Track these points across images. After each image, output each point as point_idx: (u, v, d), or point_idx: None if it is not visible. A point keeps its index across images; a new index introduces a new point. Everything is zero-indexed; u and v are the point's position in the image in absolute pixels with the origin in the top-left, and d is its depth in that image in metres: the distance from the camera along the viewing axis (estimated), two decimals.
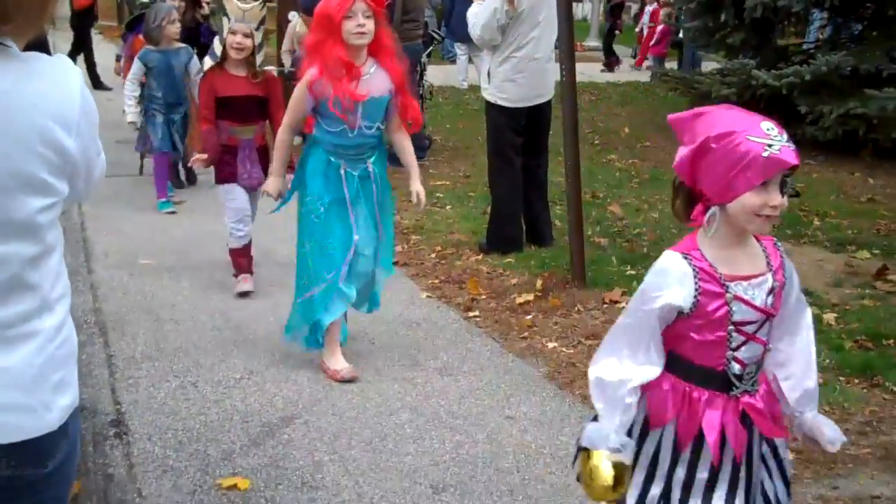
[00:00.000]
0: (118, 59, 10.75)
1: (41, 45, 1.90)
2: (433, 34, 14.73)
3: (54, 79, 1.72)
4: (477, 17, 6.47)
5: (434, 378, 4.72)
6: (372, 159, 4.60)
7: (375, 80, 4.48)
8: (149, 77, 7.68)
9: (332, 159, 4.52)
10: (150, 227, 7.32)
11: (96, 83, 15.12)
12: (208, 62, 7.59)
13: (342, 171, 4.52)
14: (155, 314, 5.49)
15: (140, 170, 8.86)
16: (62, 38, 15.67)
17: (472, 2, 6.73)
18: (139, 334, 5.18)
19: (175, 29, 7.66)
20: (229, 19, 5.64)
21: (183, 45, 7.87)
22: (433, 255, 6.73)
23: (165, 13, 7.64)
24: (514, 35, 6.43)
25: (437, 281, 6.20)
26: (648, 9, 20.55)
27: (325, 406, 4.39)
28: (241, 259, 5.97)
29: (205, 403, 4.39)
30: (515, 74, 6.48)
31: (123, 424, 4.16)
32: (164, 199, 7.89)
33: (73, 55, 15.16)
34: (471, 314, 5.62)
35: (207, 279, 6.09)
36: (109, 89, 15.16)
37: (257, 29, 5.76)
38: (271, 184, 4.72)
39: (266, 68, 6.05)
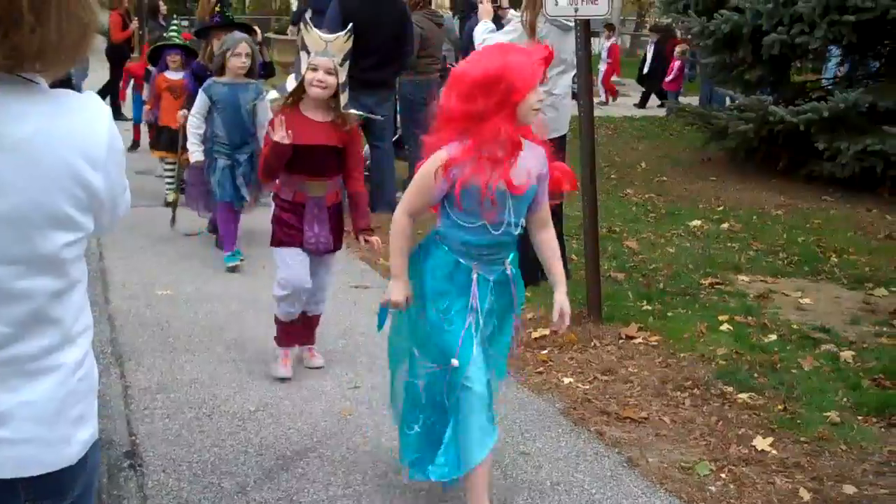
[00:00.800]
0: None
1: (65, 82, 1.92)
2: (452, 68, 14.81)
3: (83, 116, 1.75)
4: (490, 41, 6.50)
5: None
6: (510, 258, 3.66)
7: (530, 162, 3.48)
8: (212, 112, 6.94)
9: (462, 261, 3.56)
10: (167, 258, 7.35)
11: (117, 114, 15.30)
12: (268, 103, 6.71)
13: (474, 276, 3.56)
14: (171, 345, 5.51)
15: (171, 221, 8.24)
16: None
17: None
18: (155, 365, 5.20)
19: (240, 63, 6.85)
20: (308, 53, 4.66)
21: (252, 80, 7.03)
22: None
23: (234, 44, 6.86)
24: None
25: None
26: (606, 44, 21.07)
27: (339, 440, 4.39)
28: (288, 332, 5.14)
29: (220, 436, 4.39)
30: None
31: (138, 456, 4.16)
32: (230, 253, 7.07)
33: (108, 88, 15.46)
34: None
35: (224, 310, 6.10)
36: (129, 119, 15.34)
37: (342, 64, 4.71)
38: (396, 290, 3.61)
39: (351, 112, 4.85)
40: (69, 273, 1.76)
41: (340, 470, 4.09)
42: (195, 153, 6.96)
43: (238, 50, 6.80)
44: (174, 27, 10.15)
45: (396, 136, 10.23)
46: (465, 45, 14.78)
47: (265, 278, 6.36)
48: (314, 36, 4.62)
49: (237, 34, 7.05)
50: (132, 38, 15.98)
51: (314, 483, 3.97)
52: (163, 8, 17.15)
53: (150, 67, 9.70)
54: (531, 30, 6.33)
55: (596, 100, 19.34)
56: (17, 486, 1.76)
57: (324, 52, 4.60)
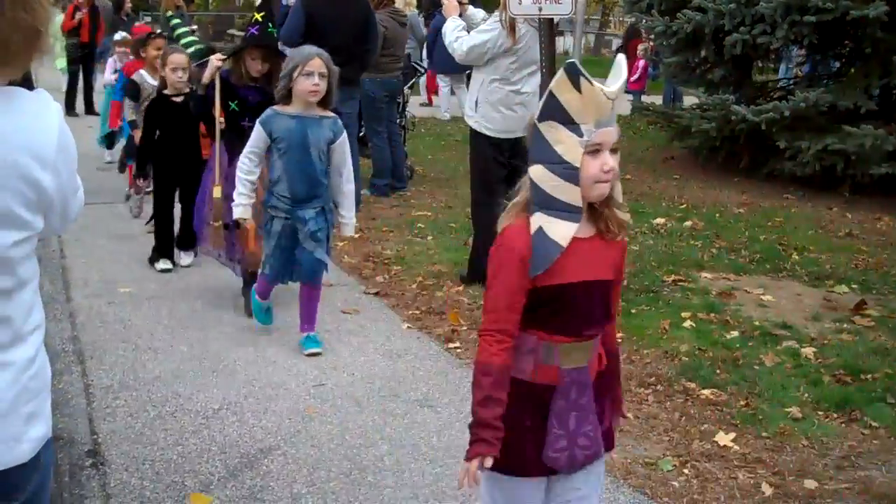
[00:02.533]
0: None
1: (26, 80, 1.90)
2: (415, 66, 14.82)
3: (31, 115, 1.72)
4: (469, 39, 6.50)
5: (414, 409, 4.70)
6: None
7: None
8: (272, 152, 5.22)
9: None
10: (129, 256, 7.29)
11: (89, 107, 15.25)
12: None
13: None
14: (133, 343, 5.46)
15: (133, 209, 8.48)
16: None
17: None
18: (117, 363, 5.15)
19: (311, 86, 5.00)
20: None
21: (328, 113, 5.21)
22: (414, 286, 6.73)
23: (304, 61, 5.01)
24: (506, 68, 6.47)
25: (417, 312, 6.19)
26: (620, 58, 20.80)
27: (304, 437, 4.37)
28: None
29: (183, 434, 4.36)
30: (501, 106, 6.51)
31: (100, 455, 4.13)
32: (310, 333, 5.45)
33: (71, 84, 15.43)
34: (451, 345, 5.61)
35: (187, 308, 6.06)
36: (97, 114, 15.19)
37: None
38: None
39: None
40: (17, 272, 1.74)
41: (305, 468, 4.08)
42: (241, 207, 5.27)
43: (310, 67, 5.00)
44: (177, 22, 10.26)
45: (361, 133, 10.21)
46: (430, 42, 14.91)
47: (226, 271, 6.34)
48: (596, 92, 2.38)
49: (309, 48, 5.18)
50: (84, 33, 15.71)
51: (278, 481, 3.96)
52: (127, 4, 17.02)
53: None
54: (511, 28, 6.34)
55: None
56: None
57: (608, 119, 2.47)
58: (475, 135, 6.70)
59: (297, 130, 5.09)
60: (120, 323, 5.79)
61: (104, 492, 3.83)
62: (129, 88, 7.86)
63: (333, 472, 4.06)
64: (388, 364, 5.32)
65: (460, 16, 6.90)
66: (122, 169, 9.70)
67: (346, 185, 5.30)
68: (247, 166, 5.21)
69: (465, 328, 5.87)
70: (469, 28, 6.72)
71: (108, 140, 10.44)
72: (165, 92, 6.78)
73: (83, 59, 15.85)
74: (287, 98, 5.11)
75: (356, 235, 6.90)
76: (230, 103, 5.84)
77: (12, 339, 1.77)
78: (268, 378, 5.01)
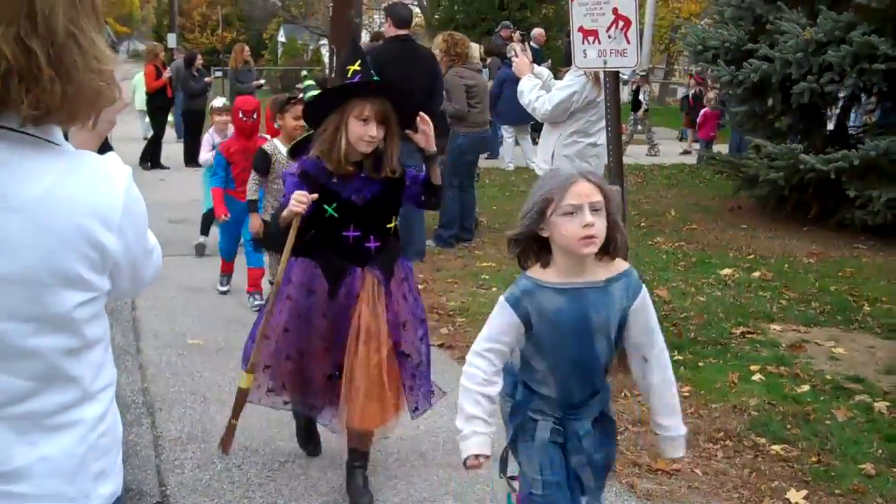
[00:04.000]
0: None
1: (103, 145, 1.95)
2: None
3: (96, 176, 1.74)
4: (553, 97, 6.54)
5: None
6: None
7: None
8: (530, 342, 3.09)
9: None
10: (199, 308, 7.40)
11: (155, 163, 15.69)
12: None
13: None
14: (202, 395, 5.53)
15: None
16: None
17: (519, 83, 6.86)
18: (186, 415, 5.22)
19: (580, 230, 2.87)
20: None
21: (622, 271, 3.06)
22: None
23: (561, 187, 2.91)
24: (585, 121, 6.53)
25: None
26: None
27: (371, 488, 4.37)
28: None
29: (249, 487, 4.39)
30: (577, 159, 6.54)
31: None
32: None
33: (152, 142, 15.96)
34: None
35: None
36: (166, 168, 15.65)
37: None
38: None
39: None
40: (83, 332, 1.76)
41: None
42: (476, 442, 3.14)
43: (575, 199, 2.88)
44: (310, 84, 6.72)
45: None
46: (494, 94, 15.03)
47: None
48: None
49: (567, 169, 2.99)
50: (168, 88, 16.37)
51: None
52: (198, 61, 17.48)
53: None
54: (596, 79, 6.39)
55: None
56: None
57: None
58: None
59: (572, 308, 2.99)
60: (189, 375, 5.87)
61: None
62: (259, 160, 6.55)
63: None
64: (454, 417, 5.29)
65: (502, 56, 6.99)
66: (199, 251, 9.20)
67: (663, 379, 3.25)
68: (482, 372, 3.06)
69: None
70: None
71: (205, 223, 9.25)
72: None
73: (152, 112, 16.37)
74: (539, 254, 3.02)
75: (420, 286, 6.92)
76: (326, 207, 3.95)
77: (81, 397, 1.79)
78: (330, 433, 5.03)
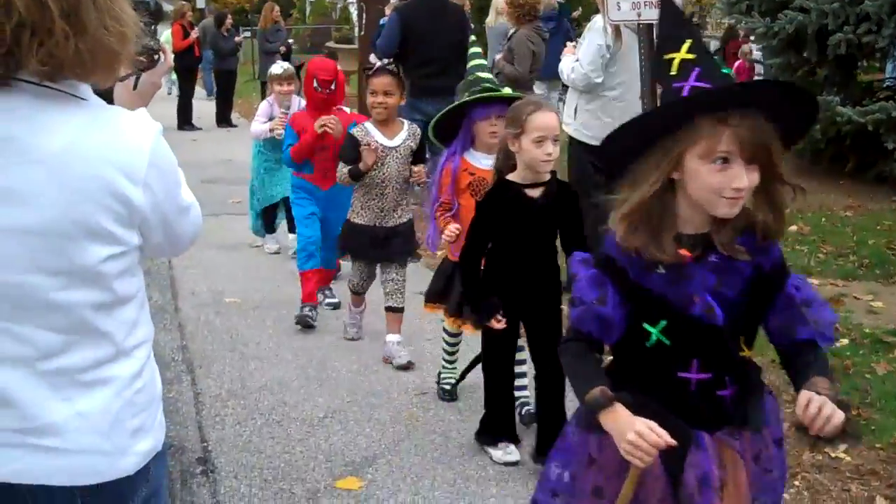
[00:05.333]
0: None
1: (105, 95, 1.95)
2: None
3: (120, 130, 1.75)
4: (582, 58, 6.47)
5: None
6: None
7: None
8: None
9: None
10: (236, 266, 7.45)
11: (187, 122, 15.75)
12: None
13: None
14: (240, 352, 5.58)
15: None
16: None
17: (554, 39, 6.79)
18: (225, 372, 5.27)
19: None
20: None
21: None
22: None
23: None
24: (608, 75, 6.45)
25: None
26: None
27: (407, 445, 4.40)
28: None
29: (289, 442, 4.43)
30: (601, 114, 6.47)
31: (210, 462, 4.23)
32: None
33: (183, 99, 16.00)
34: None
35: (292, 317, 6.14)
36: (198, 129, 15.70)
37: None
38: None
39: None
40: (113, 287, 1.77)
41: (409, 476, 4.11)
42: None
43: None
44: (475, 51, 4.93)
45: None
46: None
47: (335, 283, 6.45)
48: None
49: None
50: (195, 47, 16.39)
51: (383, 489, 4.00)
52: (228, 20, 17.47)
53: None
54: (617, 31, 6.32)
55: None
56: (74, 493, 1.79)
57: None
58: (574, 143, 6.67)
59: None
60: (227, 333, 5.91)
61: (214, 499, 3.92)
62: (346, 148, 5.34)
63: (437, 480, 4.08)
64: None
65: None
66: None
67: None
68: None
69: None
70: None
71: (267, 219, 7.83)
72: (511, 178, 3.95)
73: (179, 70, 16.38)
74: None
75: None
76: (648, 328, 2.31)
77: (115, 353, 1.81)
78: (370, 386, 5.07)
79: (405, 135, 5.38)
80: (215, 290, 6.77)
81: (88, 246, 1.71)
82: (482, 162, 4.52)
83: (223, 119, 16.69)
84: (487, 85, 4.53)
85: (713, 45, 21.25)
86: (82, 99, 1.74)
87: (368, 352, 5.56)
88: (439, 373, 5.01)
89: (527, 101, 4.11)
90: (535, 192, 3.91)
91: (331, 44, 21.64)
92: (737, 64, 18.59)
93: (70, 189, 1.68)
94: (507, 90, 4.77)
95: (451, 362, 4.98)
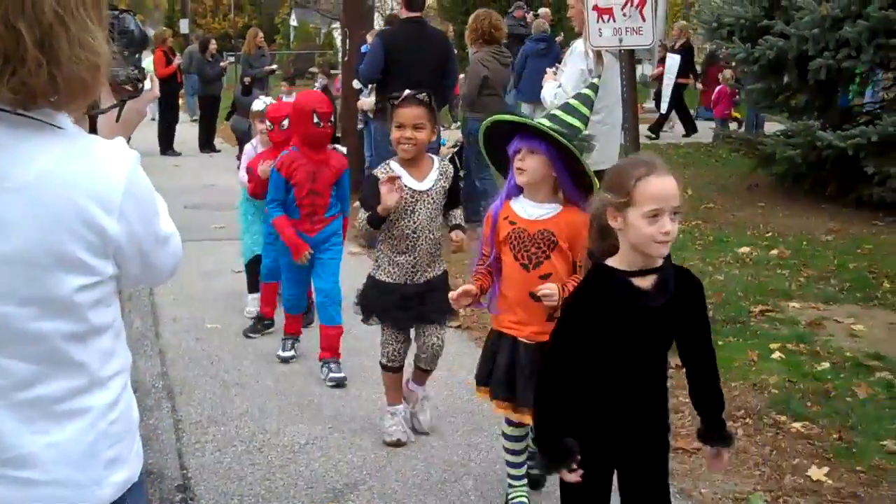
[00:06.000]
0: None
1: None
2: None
3: (96, 159, 1.73)
4: (565, 83, 6.49)
5: (498, 444, 4.67)
6: None
7: None
8: None
9: None
10: (216, 292, 7.42)
11: (167, 147, 15.75)
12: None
13: None
14: (221, 379, 5.55)
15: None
16: None
17: (545, 59, 6.82)
18: (206, 399, 5.24)
19: None
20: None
21: None
22: None
23: None
24: None
25: None
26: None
27: (389, 472, 4.38)
28: None
29: (270, 469, 4.41)
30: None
31: (190, 490, 4.19)
32: None
33: (165, 124, 16.02)
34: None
35: (273, 343, 6.12)
36: (178, 154, 15.72)
37: None
38: None
39: None
40: (87, 317, 1.75)
41: (391, 502, 4.09)
42: None
43: None
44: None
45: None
46: (518, 71, 15.00)
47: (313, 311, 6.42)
48: None
49: None
50: (178, 73, 16.43)
51: None
52: (212, 45, 17.52)
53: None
54: (598, 56, 6.35)
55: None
56: None
57: None
58: None
59: None
60: (208, 359, 5.89)
61: None
62: (369, 189, 4.53)
63: None
64: (472, 398, 5.29)
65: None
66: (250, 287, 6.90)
67: None
68: None
69: None
70: None
71: (252, 275, 6.83)
72: (611, 264, 2.88)
73: (161, 98, 16.45)
74: None
75: None
76: None
77: (89, 384, 1.78)
78: (352, 412, 5.05)
79: (436, 174, 4.54)
80: (196, 316, 6.74)
81: (62, 276, 1.69)
82: (527, 210, 3.75)
83: (206, 144, 16.71)
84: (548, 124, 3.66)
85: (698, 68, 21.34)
86: (59, 128, 1.73)
87: (350, 379, 5.53)
88: (507, 494, 4.06)
89: (635, 160, 2.99)
90: (644, 283, 2.82)
91: (314, 69, 21.69)
92: (718, 89, 18.74)
93: (43, 218, 1.66)
94: (544, 122, 3.69)
95: (517, 476, 4.04)
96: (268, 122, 6.11)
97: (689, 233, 9.63)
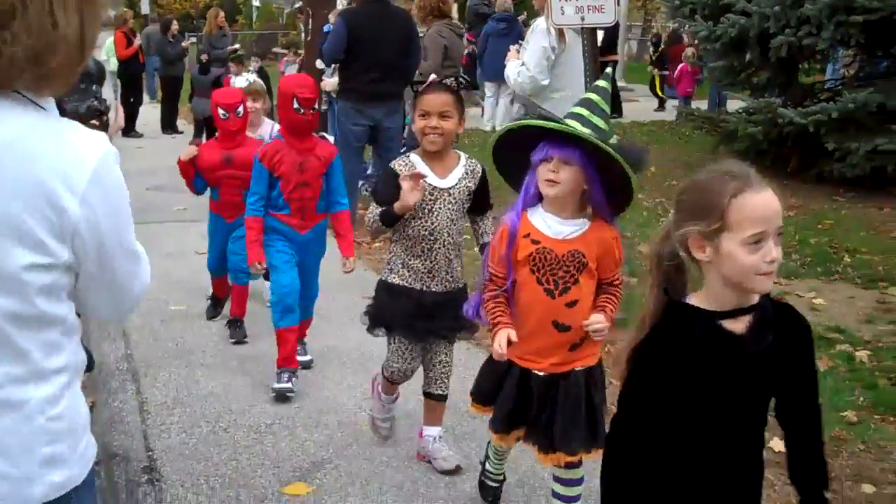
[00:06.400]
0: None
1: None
2: (461, 79, 14.88)
3: (69, 139, 1.71)
4: (528, 61, 6.50)
5: (466, 422, 4.70)
6: None
7: None
8: None
9: None
10: (180, 274, 7.38)
11: (130, 129, 15.60)
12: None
13: None
14: (186, 360, 5.53)
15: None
16: None
17: (505, 38, 6.82)
18: (171, 380, 5.21)
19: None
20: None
21: None
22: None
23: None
24: (553, 77, 6.49)
25: None
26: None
27: (355, 451, 4.39)
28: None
29: (236, 449, 4.40)
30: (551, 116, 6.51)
31: (156, 471, 4.18)
32: None
33: (127, 106, 15.88)
34: None
35: None
36: (140, 135, 15.59)
37: None
38: None
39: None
40: (36, 302, 1.70)
41: (357, 481, 4.10)
42: None
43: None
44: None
45: (404, 147, 10.24)
46: (480, 51, 14.99)
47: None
48: None
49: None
50: (139, 54, 16.29)
51: (331, 494, 3.98)
52: (174, 27, 17.37)
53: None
54: (561, 35, 6.36)
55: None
56: None
57: None
58: None
59: None
60: (172, 341, 5.86)
61: None
62: (383, 184, 4.13)
63: (386, 485, 4.08)
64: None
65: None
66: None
67: None
68: None
69: None
70: None
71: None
72: (695, 303, 2.36)
73: (124, 79, 16.30)
74: None
75: None
76: None
77: (29, 373, 1.73)
78: (318, 392, 5.05)
79: (461, 171, 4.05)
80: (160, 298, 6.69)
81: (11, 248, 1.65)
82: (552, 227, 3.28)
83: (169, 125, 16.57)
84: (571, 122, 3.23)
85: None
86: (40, 107, 1.72)
87: (316, 359, 5.53)
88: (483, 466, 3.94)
89: (722, 173, 2.34)
90: (738, 326, 2.25)
91: (277, 49, 21.56)
92: (679, 66, 18.84)
93: (2, 185, 1.64)
94: (576, 126, 3.19)
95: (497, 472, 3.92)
96: (220, 111, 5.68)
97: (652, 210, 9.70)
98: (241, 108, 5.73)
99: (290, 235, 5.00)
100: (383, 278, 4.15)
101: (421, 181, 3.85)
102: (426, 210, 3.96)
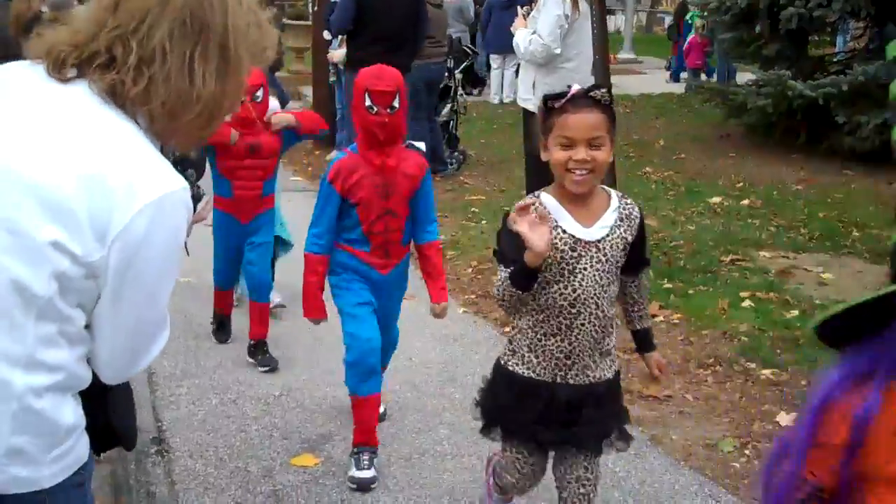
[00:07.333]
0: None
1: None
2: (467, 49, 14.80)
3: (151, 157, 1.78)
4: (541, 29, 6.46)
5: (471, 393, 4.69)
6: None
7: None
8: None
9: None
10: (188, 245, 7.36)
11: None
12: None
13: None
14: (194, 331, 5.54)
15: None
16: None
17: (508, 11, 6.79)
18: (179, 352, 5.23)
19: None
20: None
21: None
22: (469, 270, 6.73)
23: None
24: (565, 47, 6.46)
25: (473, 296, 6.20)
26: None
27: None
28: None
29: (245, 420, 4.42)
30: (561, 86, 6.48)
31: (165, 442, 4.21)
32: None
33: None
34: (507, 329, 5.61)
35: (244, 296, 6.10)
36: None
37: None
38: None
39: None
40: (47, 282, 1.65)
41: None
42: None
43: None
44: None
45: None
46: (484, 22, 14.88)
47: (287, 261, 6.40)
48: None
49: None
50: None
51: (339, 466, 4.00)
52: None
53: None
54: (574, 4, 6.33)
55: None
56: None
57: None
58: (531, 116, 6.67)
59: None
60: (180, 312, 5.86)
61: (169, 478, 3.90)
62: (506, 240, 2.87)
63: (393, 456, 4.09)
64: (445, 349, 5.34)
65: None
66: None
67: None
68: None
69: None
70: None
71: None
72: None
73: None
74: None
75: None
76: None
77: (19, 357, 1.68)
78: (327, 364, 5.05)
79: (614, 217, 2.90)
80: None
81: (47, 222, 1.63)
82: None
83: None
84: None
85: (667, 20, 21.33)
86: (134, 121, 1.77)
87: (324, 330, 5.52)
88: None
89: None
90: None
91: (284, 19, 21.43)
92: (689, 39, 18.72)
93: (68, 162, 1.68)
94: None
95: None
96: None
97: (661, 183, 9.68)
98: (259, 93, 4.81)
99: (368, 274, 3.96)
100: (503, 362, 3.07)
101: (541, 210, 2.73)
102: (566, 272, 2.83)
